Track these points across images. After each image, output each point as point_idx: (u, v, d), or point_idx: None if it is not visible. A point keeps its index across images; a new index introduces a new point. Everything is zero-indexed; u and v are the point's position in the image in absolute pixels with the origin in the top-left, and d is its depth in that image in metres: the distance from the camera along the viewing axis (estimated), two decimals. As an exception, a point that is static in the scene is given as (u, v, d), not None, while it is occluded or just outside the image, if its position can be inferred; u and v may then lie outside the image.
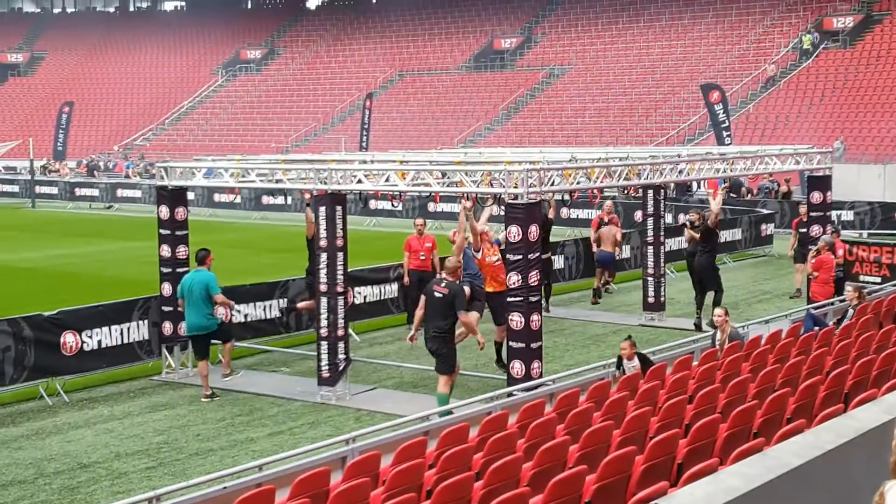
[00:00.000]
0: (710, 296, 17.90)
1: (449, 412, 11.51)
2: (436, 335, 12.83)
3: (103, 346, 14.56)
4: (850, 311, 14.01)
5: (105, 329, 14.57)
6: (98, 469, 11.18)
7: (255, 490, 7.86)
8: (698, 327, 17.27)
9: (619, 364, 11.91)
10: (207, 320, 14.22)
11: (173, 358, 15.13)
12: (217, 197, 39.17)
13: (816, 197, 17.90)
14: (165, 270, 15.16)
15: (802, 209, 20.76)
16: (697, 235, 18.37)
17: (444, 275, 13.20)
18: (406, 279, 18.10)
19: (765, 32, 51.68)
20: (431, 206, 32.73)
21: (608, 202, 22.98)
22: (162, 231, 15.24)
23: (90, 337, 14.40)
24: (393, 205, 32.07)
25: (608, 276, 21.08)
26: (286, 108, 61.46)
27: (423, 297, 13.13)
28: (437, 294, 12.91)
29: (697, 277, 18.09)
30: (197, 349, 14.39)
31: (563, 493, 6.62)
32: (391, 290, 18.62)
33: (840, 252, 18.24)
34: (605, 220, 21.78)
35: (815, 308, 15.51)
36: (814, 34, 48.79)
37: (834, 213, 25.01)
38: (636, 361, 11.64)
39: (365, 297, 18.24)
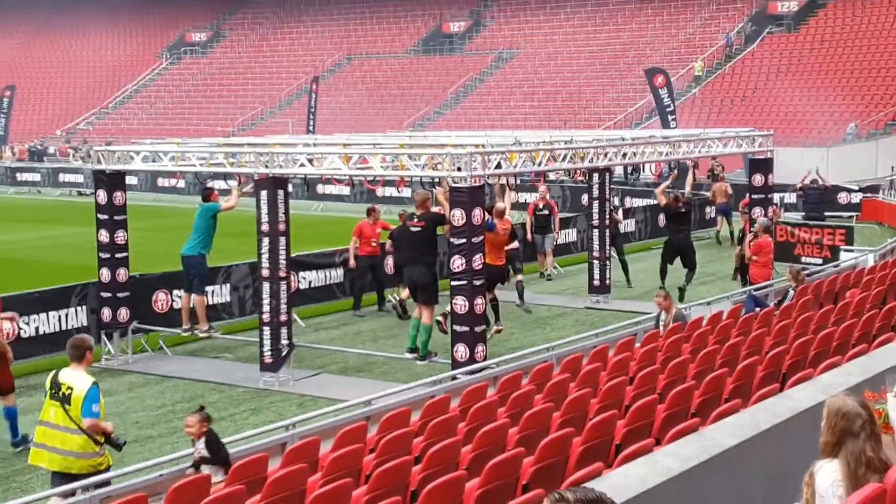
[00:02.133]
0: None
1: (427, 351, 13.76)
2: (417, 268, 13.97)
3: (41, 332, 14.32)
4: (791, 292, 14.16)
5: (42, 315, 14.34)
6: (34, 458, 10.97)
7: (192, 477, 7.77)
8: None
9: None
10: (197, 250, 15.27)
11: (112, 345, 14.92)
12: (161, 182, 38.71)
13: (758, 179, 18.05)
14: (104, 256, 14.93)
15: None
16: (619, 217, 19.45)
17: (416, 211, 14.22)
18: (352, 263, 18.02)
19: (711, 17, 52.04)
20: (379, 191, 32.58)
21: (542, 187, 23.00)
22: (100, 216, 15.00)
23: (27, 323, 14.16)
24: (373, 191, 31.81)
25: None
26: (232, 91, 60.83)
27: (389, 241, 15.01)
28: (413, 229, 14.09)
29: (676, 254, 18.74)
30: (186, 278, 15.48)
31: (499, 476, 6.59)
32: (336, 274, 18.51)
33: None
34: (541, 205, 21.82)
35: (757, 289, 15.65)
36: (730, 37, 48.83)
37: (777, 196, 25.33)
38: (202, 444, 8.25)
39: (310, 283, 18.13)
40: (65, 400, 8.45)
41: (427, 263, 14.24)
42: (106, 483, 8.31)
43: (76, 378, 8.54)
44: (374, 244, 18.02)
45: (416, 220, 14.22)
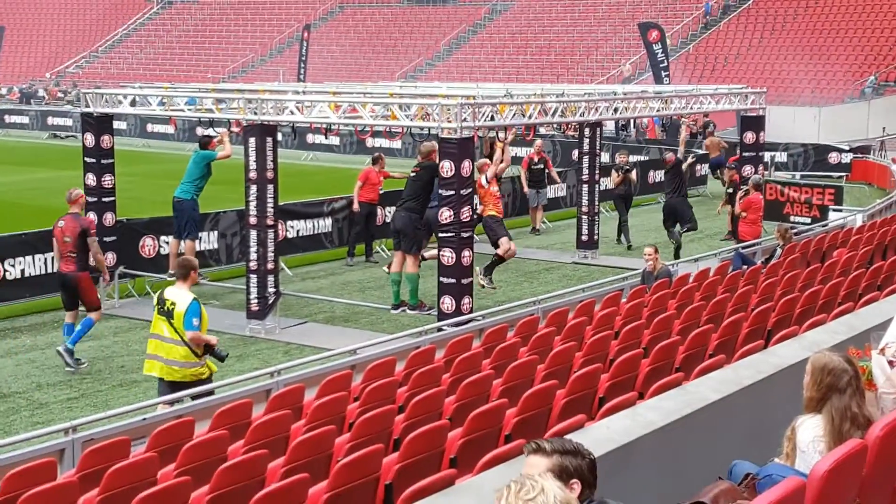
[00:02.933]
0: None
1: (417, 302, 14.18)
2: (398, 213, 14.56)
3: (27, 275, 14.27)
4: (779, 251, 14.18)
5: (28, 258, 14.27)
6: (18, 399, 10.99)
7: (175, 422, 7.77)
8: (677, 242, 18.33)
9: None
10: (191, 194, 15.44)
11: (99, 289, 14.83)
12: (150, 127, 38.45)
13: (749, 137, 18.00)
14: (91, 199, 14.81)
15: None
16: (634, 178, 19.29)
17: (419, 160, 14.61)
18: (356, 206, 17.94)
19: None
20: (369, 142, 32.46)
21: (538, 141, 22.88)
22: (87, 159, 14.89)
23: (13, 265, 14.10)
24: (326, 137, 31.71)
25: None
26: (223, 38, 60.22)
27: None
28: (411, 174, 14.65)
29: (669, 215, 18.64)
30: (176, 223, 15.61)
31: (482, 426, 6.61)
32: (325, 224, 18.46)
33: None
34: (536, 159, 21.71)
35: (744, 247, 15.67)
36: (708, 7, 47.79)
37: (767, 155, 25.29)
38: None
39: (298, 232, 18.07)
40: (168, 315, 9.37)
41: (408, 209, 14.38)
42: (210, 393, 9.14)
43: (179, 295, 9.44)
44: (379, 191, 18.11)
45: (415, 166, 14.55)
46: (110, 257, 14.84)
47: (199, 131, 33.08)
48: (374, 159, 18.55)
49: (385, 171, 18.39)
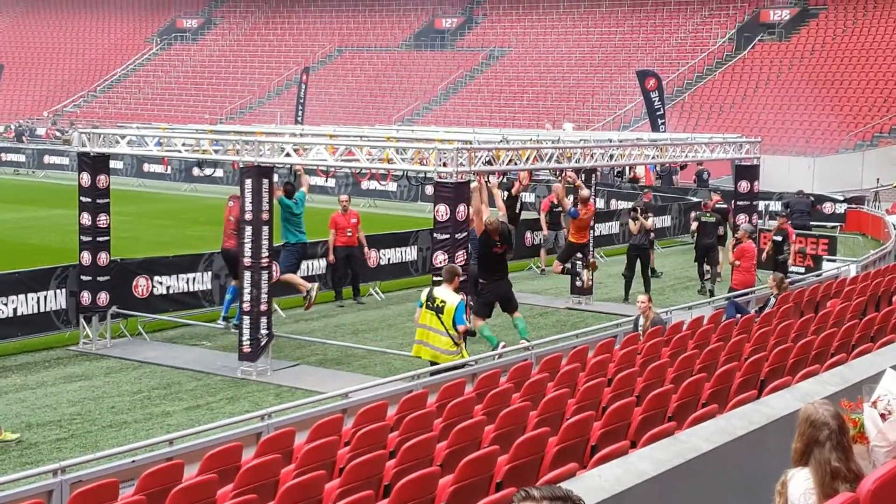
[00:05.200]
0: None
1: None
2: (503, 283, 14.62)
3: (19, 313, 14.21)
4: (772, 300, 14.18)
5: (21, 297, 14.22)
6: (7, 439, 10.90)
7: (164, 464, 7.72)
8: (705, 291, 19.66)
9: None
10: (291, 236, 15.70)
11: (91, 328, 14.82)
12: (146, 167, 38.54)
13: (744, 186, 18.06)
14: (85, 239, 14.83)
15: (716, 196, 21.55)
16: (648, 225, 19.73)
17: (496, 238, 14.19)
18: (331, 257, 18.07)
19: (702, 22, 52.11)
20: (364, 184, 32.56)
21: (557, 185, 22.88)
22: (83, 199, 14.90)
23: (5, 304, 14.05)
24: (326, 180, 31.80)
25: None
26: (222, 79, 60.58)
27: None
28: (496, 252, 14.22)
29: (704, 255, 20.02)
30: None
31: (473, 473, 6.56)
32: (318, 265, 18.46)
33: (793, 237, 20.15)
34: (556, 202, 21.68)
35: (738, 296, 15.67)
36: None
37: (762, 204, 25.41)
38: None
39: (292, 273, 18.04)
40: (438, 310, 11.34)
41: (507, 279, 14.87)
42: (460, 366, 10.94)
43: (448, 295, 11.43)
44: (348, 234, 18.10)
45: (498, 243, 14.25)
46: (103, 297, 14.82)
47: (196, 172, 33.17)
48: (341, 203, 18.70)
49: (353, 212, 18.49)
